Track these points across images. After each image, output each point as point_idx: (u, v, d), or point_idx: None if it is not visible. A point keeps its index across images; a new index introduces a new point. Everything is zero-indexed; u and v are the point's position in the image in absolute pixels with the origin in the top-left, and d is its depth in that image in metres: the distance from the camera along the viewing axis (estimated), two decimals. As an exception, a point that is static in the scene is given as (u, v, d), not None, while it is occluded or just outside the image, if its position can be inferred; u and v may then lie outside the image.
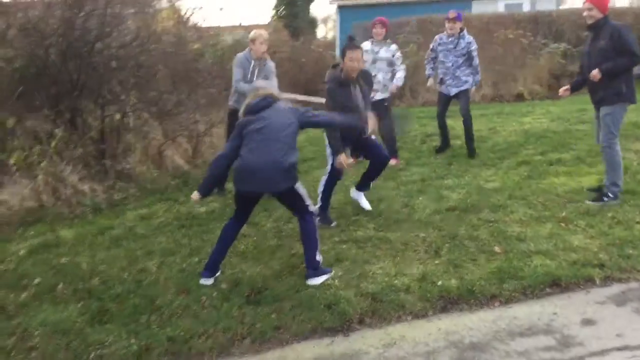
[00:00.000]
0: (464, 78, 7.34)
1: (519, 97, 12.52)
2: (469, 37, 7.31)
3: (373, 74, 7.16)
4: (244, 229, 5.24)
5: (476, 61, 7.32)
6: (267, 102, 4.20)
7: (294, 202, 4.29)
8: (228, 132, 6.32)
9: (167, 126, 7.39)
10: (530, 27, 14.28)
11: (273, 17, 20.60)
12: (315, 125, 4.63)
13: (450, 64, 7.36)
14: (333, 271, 4.18)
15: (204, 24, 11.46)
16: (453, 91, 7.42)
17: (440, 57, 7.46)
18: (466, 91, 7.39)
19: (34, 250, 5.04)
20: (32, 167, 6.18)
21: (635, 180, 5.87)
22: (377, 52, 7.28)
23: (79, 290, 4.15)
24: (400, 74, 7.35)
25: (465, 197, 5.82)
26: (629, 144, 7.10)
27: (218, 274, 4.24)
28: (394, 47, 7.40)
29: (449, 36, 7.33)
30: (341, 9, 22.21)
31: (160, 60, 7.78)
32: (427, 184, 6.42)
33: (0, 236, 5.47)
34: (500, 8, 20.62)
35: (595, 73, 6.79)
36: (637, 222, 4.76)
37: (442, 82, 7.53)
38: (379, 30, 7.30)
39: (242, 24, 20.75)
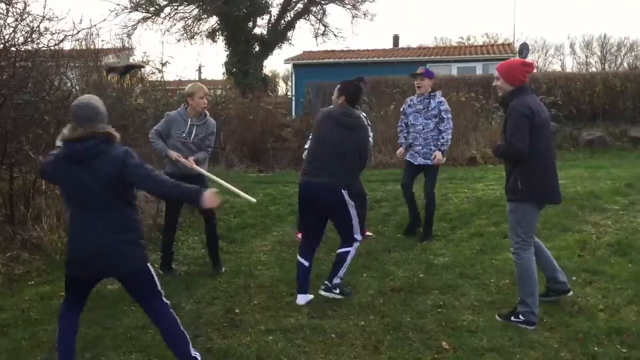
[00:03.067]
0: (434, 147, 6.33)
1: (472, 161, 12.26)
2: (440, 97, 6.40)
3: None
4: (157, 313, 4.55)
5: (447, 124, 6.30)
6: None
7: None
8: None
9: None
10: (482, 90, 14.25)
11: (224, 73, 20.29)
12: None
13: (420, 127, 6.38)
14: None
15: (155, 78, 10.98)
16: (418, 160, 6.40)
17: (410, 119, 6.49)
18: (434, 168, 6.41)
19: None
20: None
21: (595, 257, 5.42)
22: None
23: None
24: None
25: (412, 274, 5.26)
26: (586, 215, 6.72)
27: None
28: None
29: (418, 96, 6.47)
30: (296, 67, 22.12)
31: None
32: (373, 258, 5.85)
33: None
34: (454, 71, 20.90)
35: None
36: (600, 310, 4.25)
37: (410, 146, 6.56)
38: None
39: (202, 78, 20.42)
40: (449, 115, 6.38)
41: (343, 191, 4.57)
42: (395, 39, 28.61)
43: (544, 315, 4.20)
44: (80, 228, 3.27)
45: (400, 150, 6.72)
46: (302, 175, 4.77)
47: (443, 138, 6.33)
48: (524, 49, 21.81)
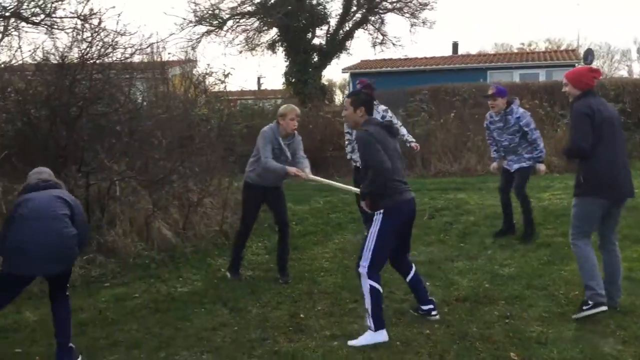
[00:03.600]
0: (526, 155, 6.48)
1: (537, 170, 11.96)
2: (518, 111, 6.40)
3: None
4: (225, 316, 4.70)
5: (533, 136, 6.37)
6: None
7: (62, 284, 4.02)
8: (244, 205, 5.80)
9: (157, 195, 6.91)
10: (546, 97, 13.90)
11: (283, 83, 20.57)
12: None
13: (507, 143, 6.53)
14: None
15: (218, 89, 11.24)
16: (514, 167, 6.55)
17: (495, 136, 6.64)
18: (526, 169, 6.50)
19: (-11, 335, 4.47)
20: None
21: (670, 270, 5.21)
22: None
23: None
24: (404, 130, 6.97)
25: (477, 284, 5.20)
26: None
27: None
28: (381, 108, 6.83)
29: (496, 113, 6.52)
30: (354, 77, 22.21)
31: (159, 126, 7.43)
32: (436, 267, 5.82)
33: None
34: (516, 78, 20.47)
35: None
36: (677, 325, 4.08)
37: (503, 158, 6.72)
38: None
39: (262, 89, 20.86)
40: (532, 127, 6.41)
41: None
42: (455, 46, 28.31)
43: (617, 328, 4.07)
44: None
45: (494, 165, 6.95)
46: (403, 192, 4.20)
47: (536, 150, 6.42)
48: (589, 54, 21.16)
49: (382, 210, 4.14)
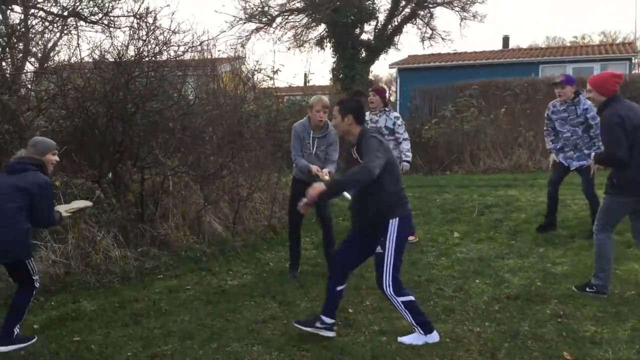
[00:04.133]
0: (586, 151, 6.30)
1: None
2: (586, 103, 6.20)
3: None
4: (274, 309, 4.77)
5: (596, 130, 6.14)
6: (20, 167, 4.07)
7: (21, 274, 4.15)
8: (290, 200, 5.81)
9: (208, 190, 7.07)
10: (602, 91, 13.44)
11: (331, 79, 20.58)
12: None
13: (568, 135, 6.36)
14: (35, 338, 4.18)
15: (266, 85, 11.35)
16: (574, 165, 6.41)
17: (557, 126, 6.45)
18: (589, 167, 6.27)
19: (49, 324, 4.65)
20: (67, 229, 5.93)
21: None
22: (375, 122, 6.64)
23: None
24: (405, 146, 6.62)
25: (529, 282, 5.11)
26: None
27: None
28: (393, 114, 6.71)
29: (562, 103, 6.37)
30: (401, 72, 22.02)
31: (210, 122, 7.59)
32: (486, 264, 5.75)
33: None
34: (569, 72, 19.86)
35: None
36: None
37: (561, 150, 6.52)
38: (372, 99, 6.69)
39: (309, 85, 20.96)
40: (598, 120, 6.16)
41: None
42: (505, 39, 27.64)
43: (677, 330, 3.94)
44: None
45: (553, 157, 6.69)
46: (407, 204, 4.03)
47: (595, 145, 6.22)
48: (648, 47, 20.36)
49: (397, 219, 3.89)
